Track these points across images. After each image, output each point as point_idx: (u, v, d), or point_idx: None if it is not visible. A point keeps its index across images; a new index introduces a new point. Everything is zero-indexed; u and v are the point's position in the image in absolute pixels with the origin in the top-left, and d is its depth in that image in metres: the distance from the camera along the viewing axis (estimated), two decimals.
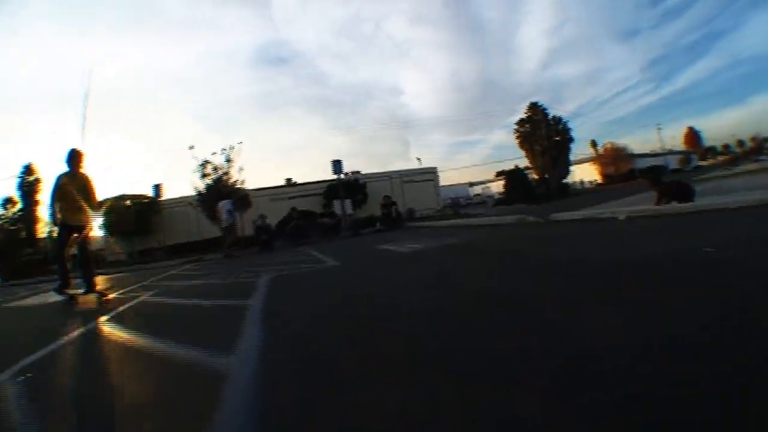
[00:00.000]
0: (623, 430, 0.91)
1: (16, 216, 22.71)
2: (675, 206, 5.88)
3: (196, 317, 3.22)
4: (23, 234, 22.36)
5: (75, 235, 5.08)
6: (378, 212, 15.67)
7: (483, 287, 2.72)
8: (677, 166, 52.85)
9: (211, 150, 16.60)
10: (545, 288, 2.47)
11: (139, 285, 6.24)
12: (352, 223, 15.36)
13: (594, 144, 52.34)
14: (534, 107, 27.74)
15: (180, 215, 19.58)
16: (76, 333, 3.00)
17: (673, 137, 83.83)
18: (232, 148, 16.01)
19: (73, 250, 5.40)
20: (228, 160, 15.88)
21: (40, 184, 25.06)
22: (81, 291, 5.10)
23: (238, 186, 15.91)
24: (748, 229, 3.63)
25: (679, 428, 0.89)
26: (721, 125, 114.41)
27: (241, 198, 15.13)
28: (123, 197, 19.77)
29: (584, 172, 49.41)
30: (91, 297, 4.96)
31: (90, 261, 5.29)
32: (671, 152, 58.93)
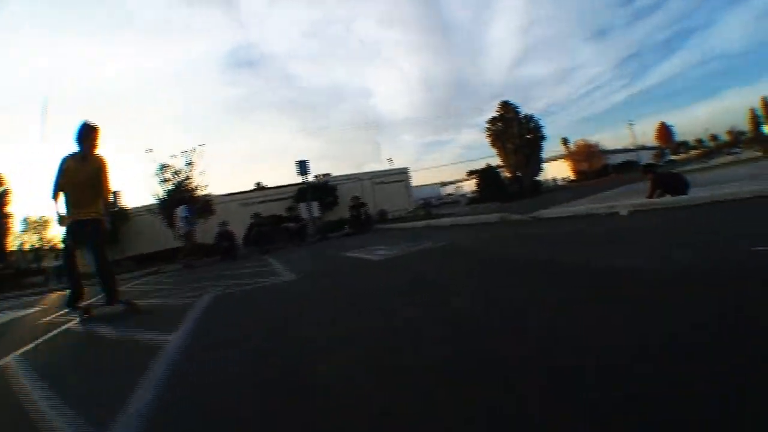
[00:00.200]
0: None
1: None
2: (682, 198, 5.60)
3: (103, 358, 2.70)
4: None
5: (87, 231, 4.09)
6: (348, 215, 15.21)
7: (501, 338, 1.75)
8: (651, 161, 54.62)
9: (171, 153, 15.77)
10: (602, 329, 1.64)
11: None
12: (321, 227, 14.87)
13: (565, 141, 53.56)
14: (506, 105, 27.86)
15: (147, 224, 18.52)
16: None
17: (644, 133, 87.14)
18: (193, 150, 15.23)
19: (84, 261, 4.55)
20: (189, 164, 15.08)
21: (8, 196, 23.56)
22: (99, 302, 4.35)
23: (200, 191, 15.14)
24: None
25: None
26: (693, 120, 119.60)
27: (201, 204, 14.39)
28: None
29: (556, 170, 50.45)
30: (114, 309, 4.18)
31: (107, 266, 4.29)
32: (643, 148, 61.10)
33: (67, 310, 4.45)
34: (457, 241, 5.72)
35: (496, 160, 27.73)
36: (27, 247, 30.20)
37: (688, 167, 19.81)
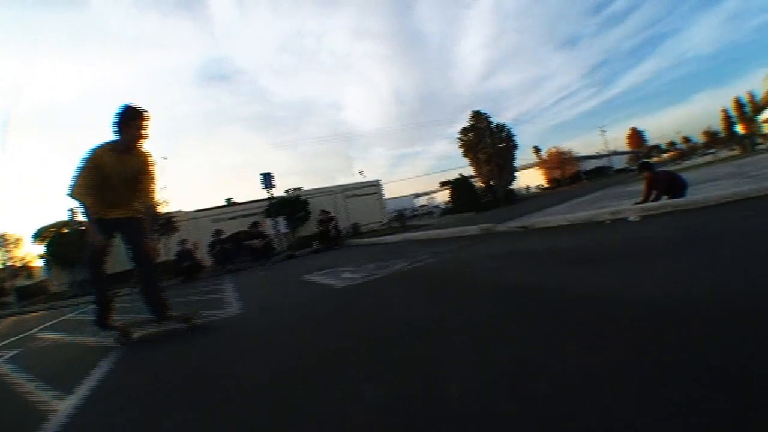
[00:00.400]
0: None
1: None
2: (695, 198, 5.22)
3: None
4: None
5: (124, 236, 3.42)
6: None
7: None
8: (625, 165, 56.17)
9: None
10: None
11: None
12: (291, 243, 14.25)
13: (537, 150, 54.68)
14: (477, 115, 28.02)
15: (116, 242, 17.49)
16: None
17: (616, 139, 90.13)
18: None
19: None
20: None
21: None
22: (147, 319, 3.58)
23: (161, 206, 14.35)
24: None
25: None
26: (665, 124, 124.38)
27: (162, 220, 13.61)
28: (62, 224, 17.85)
29: (529, 178, 51.37)
30: (165, 326, 3.53)
31: (154, 277, 3.57)
32: (615, 153, 62.96)
33: (95, 330, 3.61)
34: (438, 260, 4.94)
35: (469, 170, 27.81)
36: None
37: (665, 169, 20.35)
